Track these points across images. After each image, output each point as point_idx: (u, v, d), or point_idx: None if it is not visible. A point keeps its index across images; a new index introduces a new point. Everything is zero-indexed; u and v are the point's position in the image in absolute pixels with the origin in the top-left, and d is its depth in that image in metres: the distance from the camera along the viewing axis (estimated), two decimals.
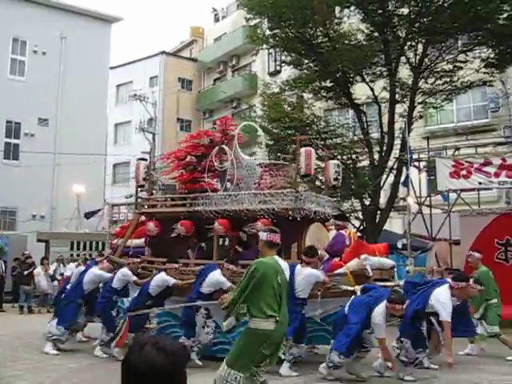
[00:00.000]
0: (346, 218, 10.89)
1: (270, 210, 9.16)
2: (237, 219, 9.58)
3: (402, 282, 8.90)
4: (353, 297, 8.15)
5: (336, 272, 8.91)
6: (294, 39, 18.35)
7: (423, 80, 18.00)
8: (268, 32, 19.49)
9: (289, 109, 18.84)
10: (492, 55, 17.49)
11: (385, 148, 17.81)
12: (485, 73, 17.85)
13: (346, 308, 7.93)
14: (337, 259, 9.30)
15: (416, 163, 16.64)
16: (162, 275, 9.38)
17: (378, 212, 17.64)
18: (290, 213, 9.09)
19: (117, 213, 33.58)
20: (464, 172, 14.92)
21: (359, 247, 9.37)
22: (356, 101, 18.88)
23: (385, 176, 18.00)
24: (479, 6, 16.00)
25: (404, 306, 7.32)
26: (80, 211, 24.44)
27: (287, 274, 5.88)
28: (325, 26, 17.76)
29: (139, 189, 11.47)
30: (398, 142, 17.72)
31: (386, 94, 18.23)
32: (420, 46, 17.70)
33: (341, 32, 18.26)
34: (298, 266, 8.39)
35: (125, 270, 9.86)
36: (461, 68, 17.81)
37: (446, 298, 7.34)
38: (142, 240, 10.89)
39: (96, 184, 27.15)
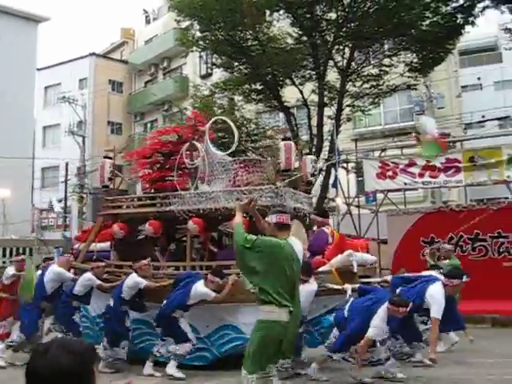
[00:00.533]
0: (327, 215, 10.47)
1: None
2: (212, 218, 9.13)
3: (389, 278, 8.65)
4: (351, 299, 7.78)
5: (320, 270, 8.53)
6: (223, 42, 18.41)
7: (351, 83, 18.46)
8: (198, 34, 19.48)
9: (219, 111, 18.87)
10: (415, 60, 18.13)
11: (314, 150, 18.10)
12: (409, 77, 18.50)
13: (346, 312, 7.58)
14: (319, 257, 8.87)
15: (344, 165, 16.97)
16: (134, 276, 8.78)
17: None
18: (268, 210, 8.79)
19: (46, 218, 32.73)
20: (390, 173, 15.30)
21: (342, 243, 9.01)
22: (286, 103, 19.11)
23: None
24: (403, 12, 16.55)
25: (408, 309, 7.10)
26: (5, 216, 23.64)
27: (301, 257, 5.45)
28: (254, 29, 17.91)
29: (103, 189, 10.81)
30: (326, 144, 18.05)
31: (315, 97, 18.54)
32: (347, 50, 18.14)
33: (270, 35, 18.48)
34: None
35: (88, 275, 9.26)
36: (386, 72, 18.39)
37: (441, 296, 7.21)
38: (107, 243, 10.32)
39: (23, 188, 26.34)
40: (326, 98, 18.41)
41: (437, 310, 7.07)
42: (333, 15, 17.79)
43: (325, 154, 18.00)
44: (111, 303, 8.89)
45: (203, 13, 17.66)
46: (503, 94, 28.67)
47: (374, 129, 24.92)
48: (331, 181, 16.11)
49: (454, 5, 17.67)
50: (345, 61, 18.14)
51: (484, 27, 25.05)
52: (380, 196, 16.67)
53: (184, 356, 8.21)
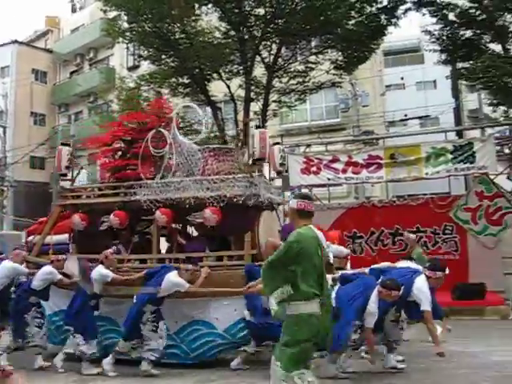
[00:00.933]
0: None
1: (220, 197, 8.40)
2: (180, 208, 8.80)
3: (367, 270, 8.34)
4: (335, 287, 7.61)
5: None
6: (151, 34, 18.11)
7: (277, 79, 18.61)
8: (125, 25, 19.12)
9: (145, 104, 18.61)
10: (341, 58, 18.50)
11: (240, 145, 18.13)
12: (334, 74, 18.82)
13: (333, 301, 7.49)
14: None
15: None
16: (100, 268, 8.29)
17: None
18: (244, 200, 8.37)
19: None
20: (314, 168, 15.56)
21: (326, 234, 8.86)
22: (213, 98, 19.06)
23: None
24: (329, 11, 16.79)
25: (399, 293, 7.04)
26: None
27: (325, 245, 5.26)
28: (182, 21, 17.72)
29: (60, 178, 10.18)
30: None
31: (242, 92, 18.58)
32: (274, 46, 18.25)
33: (198, 29, 18.33)
34: None
35: (48, 268, 8.57)
36: (312, 69, 18.64)
37: (426, 288, 7.15)
38: (65, 236, 9.70)
39: None
40: (252, 94, 18.49)
41: (427, 302, 7.03)
42: (261, 11, 17.83)
43: None
44: (77, 298, 8.35)
45: (130, 3, 17.33)
46: (424, 94, 29.71)
47: (301, 125, 25.24)
48: None
49: (378, 6, 18.10)
50: (272, 57, 18.25)
51: (408, 29, 25.88)
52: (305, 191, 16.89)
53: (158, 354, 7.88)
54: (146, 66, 23.35)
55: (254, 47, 18.10)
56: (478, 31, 17.42)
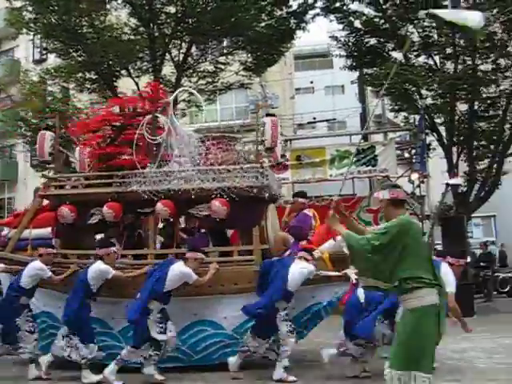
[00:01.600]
0: (307, 196, 9.61)
1: (229, 188, 7.87)
2: (182, 200, 8.15)
3: None
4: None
5: None
6: (57, 26, 17.52)
7: (186, 78, 18.51)
8: (30, 16, 18.38)
9: (49, 99, 18.02)
10: (250, 59, 18.66)
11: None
12: (244, 75, 18.97)
13: (362, 295, 7.20)
14: (304, 242, 8.17)
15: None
16: (99, 264, 7.58)
17: None
18: (255, 191, 7.93)
19: None
20: None
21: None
22: (121, 95, 18.66)
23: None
24: (240, 12, 16.89)
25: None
26: None
27: None
28: (90, 15, 17.30)
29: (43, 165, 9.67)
30: None
31: None
32: (184, 45, 18.14)
33: (107, 24, 17.93)
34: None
35: (38, 264, 7.89)
36: (222, 69, 18.72)
37: (451, 273, 6.97)
38: (46, 230, 8.87)
39: None
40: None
41: (453, 284, 6.80)
42: (172, 9, 17.68)
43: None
44: (75, 296, 7.61)
45: None
46: (332, 98, 30.52)
47: (211, 125, 25.24)
48: None
49: (288, 10, 18.43)
50: (181, 55, 18.14)
51: (318, 34, 26.45)
52: None
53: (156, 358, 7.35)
54: (52, 60, 22.60)
55: (163, 45, 17.91)
56: (382, 39, 18.09)
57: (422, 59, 17.85)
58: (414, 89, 16.34)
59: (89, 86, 18.95)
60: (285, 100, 26.27)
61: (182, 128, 8.94)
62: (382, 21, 17.93)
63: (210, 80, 18.85)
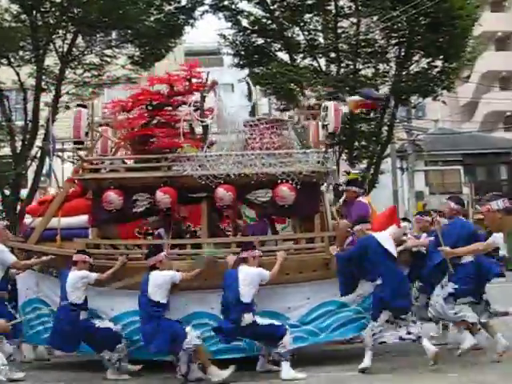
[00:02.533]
0: (362, 184, 9.37)
1: (294, 173, 7.39)
2: (240, 186, 7.54)
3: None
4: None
5: None
6: None
7: (71, 70, 17.95)
8: None
9: None
10: (138, 53, 18.40)
11: (28, 136, 17.26)
12: (131, 70, 18.66)
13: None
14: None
15: (61, 153, 16.39)
16: (166, 272, 6.87)
17: (20, 202, 17.01)
18: (318, 177, 7.63)
19: None
20: None
21: (394, 215, 8.04)
22: (0, 85, 17.84)
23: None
24: (128, 5, 16.62)
25: None
26: None
27: None
28: None
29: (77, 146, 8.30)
30: (42, 131, 17.27)
31: (33, 81, 17.64)
32: (69, 36, 17.56)
33: None
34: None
35: (78, 273, 7.05)
36: (108, 63, 18.32)
37: None
38: (78, 218, 7.90)
39: None
40: (44, 83, 17.61)
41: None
42: None
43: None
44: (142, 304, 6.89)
45: None
46: (223, 97, 30.60)
47: (97, 120, 24.61)
48: (45, 170, 15.50)
49: (177, 5, 18.35)
50: (66, 46, 17.54)
51: (209, 32, 26.49)
52: None
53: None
54: None
55: (47, 34, 17.23)
56: (269, 40, 18.47)
57: (307, 61, 18.39)
58: (298, 89, 16.80)
59: None
60: None
61: (229, 110, 8.22)
62: (270, 21, 18.29)
63: (95, 73, 18.35)
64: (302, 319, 7.31)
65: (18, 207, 16.88)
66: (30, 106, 17.66)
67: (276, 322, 6.83)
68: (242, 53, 18.79)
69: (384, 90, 18.53)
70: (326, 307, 7.34)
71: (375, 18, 17.68)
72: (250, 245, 7.09)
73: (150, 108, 8.02)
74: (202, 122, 7.94)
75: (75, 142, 8.23)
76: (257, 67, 18.78)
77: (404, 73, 18.44)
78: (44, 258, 7.45)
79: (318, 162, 7.52)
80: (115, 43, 18.56)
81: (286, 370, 6.57)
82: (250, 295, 6.69)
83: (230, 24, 18.64)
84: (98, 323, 7.11)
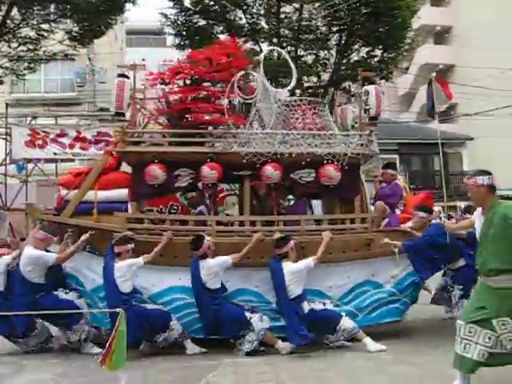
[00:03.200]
0: (396, 168, 9.44)
1: (340, 154, 7.49)
2: (287, 165, 7.53)
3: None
4: None
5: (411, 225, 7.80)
6: None
7: (5, 43, 17.31)
8: None
9: None
10: (76, 29, 17.90)
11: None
12: (68, 46, 18.16)
13: None
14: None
15: None
16: (219, 258, 6.90)
17: None
18: (362, 159, 7.71)
19: None
20: (40, 142, 14.80)
21: (429, 198, 8.43)
22: None
23: None
24: None
25: None
26: None
27: None
28: None
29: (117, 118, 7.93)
30: None
31: None
32: (4, 7, 16.93)
33: None
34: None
35: (126, 262, 6.83)
36: (45, 37, 17.74)
37: None
38: (114, 192, 7.67)
39: None
40: None
41: None
42: None
43: None
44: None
45: None
46: None
47: (34, 96, 23.91)
48: None
49: None
50: (0, 18, 16.90)
51: (153, 11, 26.08)
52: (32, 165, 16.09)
53: None
54: None
55: None
56: (211, 21, 18.32)
57: (249, 45, 18.35)
58: None
59: None
60: (114, 75, 25.55)
61: (273, 89, 8.05)
62: (212, 3, 18.12)
63: (31, 47, 17.73)
64: (341, 298, 7.40)
65: None
66: None
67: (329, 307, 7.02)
68: (184, 33, 18.54)
69: (324, 77, 18.79)
70: (363, 287, 7.46)
71: (317, 4, 17.80)
72: (284, 240, 7.08)
73: (188, 83, 7.97)
74: (245, 99, 7.85)
75: (116, 113, 7.86)
76: (199, 49, 18.56)
77: (344, 61, 18.67)
78: (83, 237, 7.18)
79: (362, 145, 7.69)
80: (53, 17, 17.96)
81: (371, 343, 6.72)
82: (299, 288, 6.86)
83: (171, 3, 18.36)
84: (148, 306, 7.00)
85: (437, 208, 8.99)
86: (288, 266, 6.87)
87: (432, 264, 7.40)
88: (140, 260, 6.89)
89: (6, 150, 15.41)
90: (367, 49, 18.86)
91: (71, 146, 14.89)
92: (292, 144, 7.54)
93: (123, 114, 7.78)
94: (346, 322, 6.82)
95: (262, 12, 18.70)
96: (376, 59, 18.90)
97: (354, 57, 18.94)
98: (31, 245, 7.27)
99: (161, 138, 7.94)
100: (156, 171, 7.38)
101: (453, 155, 29.78)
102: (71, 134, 14.89)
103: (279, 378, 5.83)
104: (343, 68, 18.48)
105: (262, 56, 8.24)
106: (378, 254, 7.47)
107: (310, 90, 18.52)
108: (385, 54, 18.77)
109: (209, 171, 7.40)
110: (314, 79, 19.14)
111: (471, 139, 29.80)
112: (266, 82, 7.91)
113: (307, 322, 6.72)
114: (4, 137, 15.47)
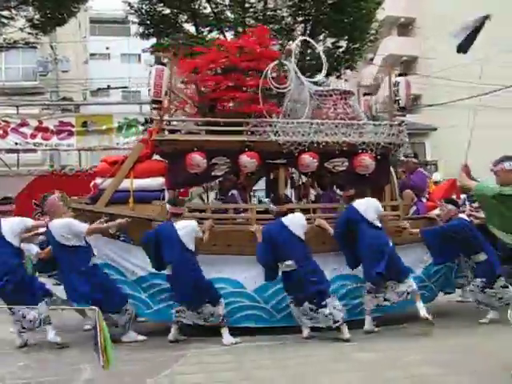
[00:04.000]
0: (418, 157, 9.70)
1: (374, 144, 7.70)
2: (323, 153, 7.67)
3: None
4: None
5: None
6: None
7: None
8: None
9: None
10: (38, 16, 17.55)
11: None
12: (30, 33, 17.82)
13: None
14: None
15: None
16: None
17: None
18: (392, 149, 7.91)
19: None
20: (0, 132, 14.65)
21: (454, 187, 8.71)
22: None
23: None
24: None
25: None
26: None
27: None
28: None
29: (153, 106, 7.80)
30: None
31: None
32: None
33: None
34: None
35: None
36: (5, 24, 17.39)
37: None
38: (150, 180, 7.61)
39: None
40: None
41: None
42: None
43: None
44: None
45: None
46: (129, 66, 30.01)
47: None
48: None
49: None
50: None
51: None
52: None
53: None
54: None
55: None
56: (176, 10, 18.14)
57: (214, 34, 18.26)
58: None
59: None
60: (77, 64, 25.21)
61: (304, 79, 8.08)
62: None
63: None
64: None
65: None
66: None
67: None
68: (148, 22, 18.34)
69: None
70: None
71: None
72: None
73: (219, 72, 8.11)
74: (278, 88, 7.90)
75: (153, 101, 7.79)
76: (163, 38, 18.42)
77: (309, 51, 18.69)
78: (119, 220, 7.15)
79: (393, 134, 7.86)
80: (13, 4, 17.57)
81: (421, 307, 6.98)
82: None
83: None
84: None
85: (463, 196, 9.27)
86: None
87: (448, 251, 7.62)
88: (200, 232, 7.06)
89: None
90: (332, 39, 18.93)
91: (33, 136, 14.73)
92: (327, 133, 7.68)
93: (160, 102, 7.71)
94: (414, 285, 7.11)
95: (227, 1, 18.59)
96: (341, 50, 18.98)
97: (319, 47, 18.97)
98: None
99: (195, 127, 8.13)
100: (197, 159, 7.41)
101: (417, 145, 30.15)
102: (32, 124, 14.72)
103: (243, 366, 5.90)
104: (308, 58, 18.50)
105: (294, 46, 8.46)
106: (408, 240, 7.71)
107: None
108: (350, 45, 18.87)
109: (248, 160, 7.50)
110: None
111: (435, 129, 30.17)
112: (298, 71, 8.02)
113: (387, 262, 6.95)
114: None
